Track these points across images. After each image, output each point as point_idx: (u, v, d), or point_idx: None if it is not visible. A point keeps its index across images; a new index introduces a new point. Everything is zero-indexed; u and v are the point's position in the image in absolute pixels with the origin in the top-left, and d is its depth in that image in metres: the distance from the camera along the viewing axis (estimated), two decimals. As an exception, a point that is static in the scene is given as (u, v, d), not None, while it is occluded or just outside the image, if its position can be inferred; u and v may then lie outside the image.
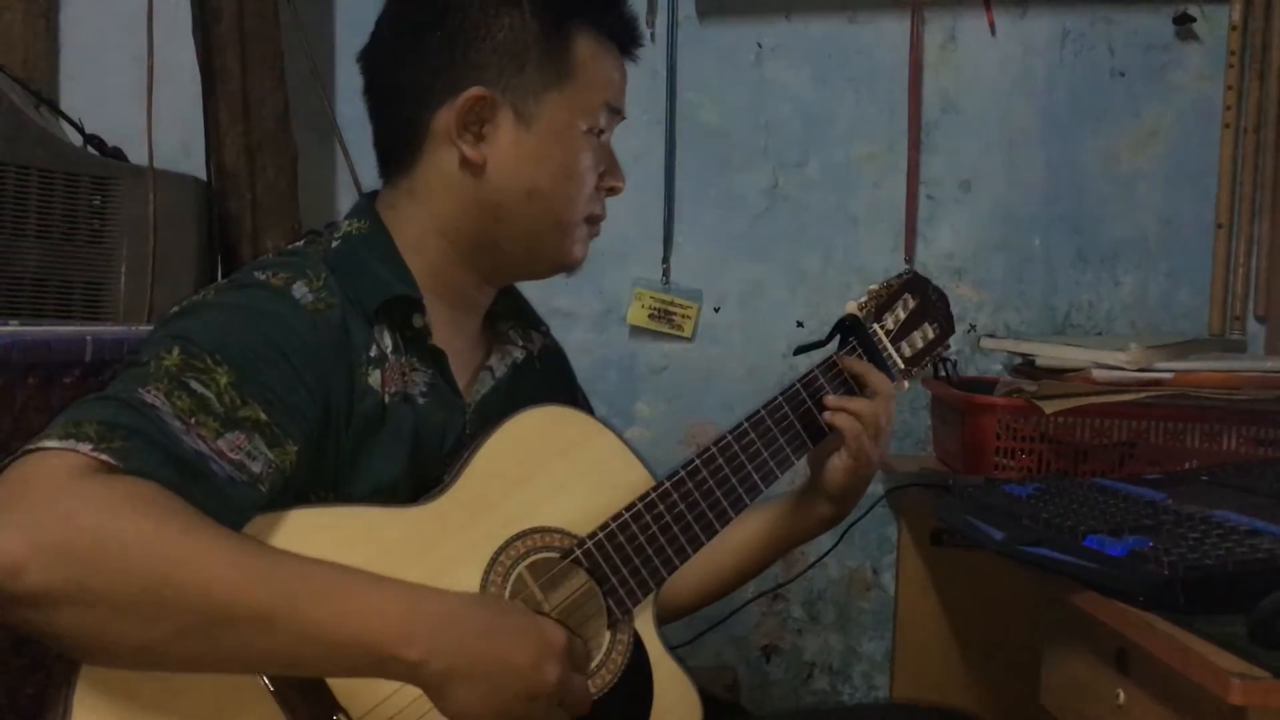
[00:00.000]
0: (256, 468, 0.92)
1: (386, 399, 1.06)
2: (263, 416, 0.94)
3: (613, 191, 1.19)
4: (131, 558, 0.80)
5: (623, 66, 1.18)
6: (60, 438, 0.84)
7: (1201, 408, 1.62)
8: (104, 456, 0.83)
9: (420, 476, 1.08)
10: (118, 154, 1.74)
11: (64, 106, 1.85)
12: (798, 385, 1.25)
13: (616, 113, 1.17)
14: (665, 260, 2.12)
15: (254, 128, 1.84)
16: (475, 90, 1.09)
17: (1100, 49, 2.08)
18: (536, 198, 1.12)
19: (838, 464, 1.24)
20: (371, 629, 0.88)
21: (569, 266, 1.19)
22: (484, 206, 1.11)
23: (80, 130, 1.75)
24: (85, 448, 0.83)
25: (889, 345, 1.32)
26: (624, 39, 1.17)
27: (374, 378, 1.06)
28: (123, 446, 0.84)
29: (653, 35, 2.09)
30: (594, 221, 1.18)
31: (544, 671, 0.95)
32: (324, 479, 1.02)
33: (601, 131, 1.15)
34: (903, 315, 1.33)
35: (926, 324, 1.35)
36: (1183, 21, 2.04)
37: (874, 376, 1.26)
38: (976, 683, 1.96)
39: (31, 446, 0.84)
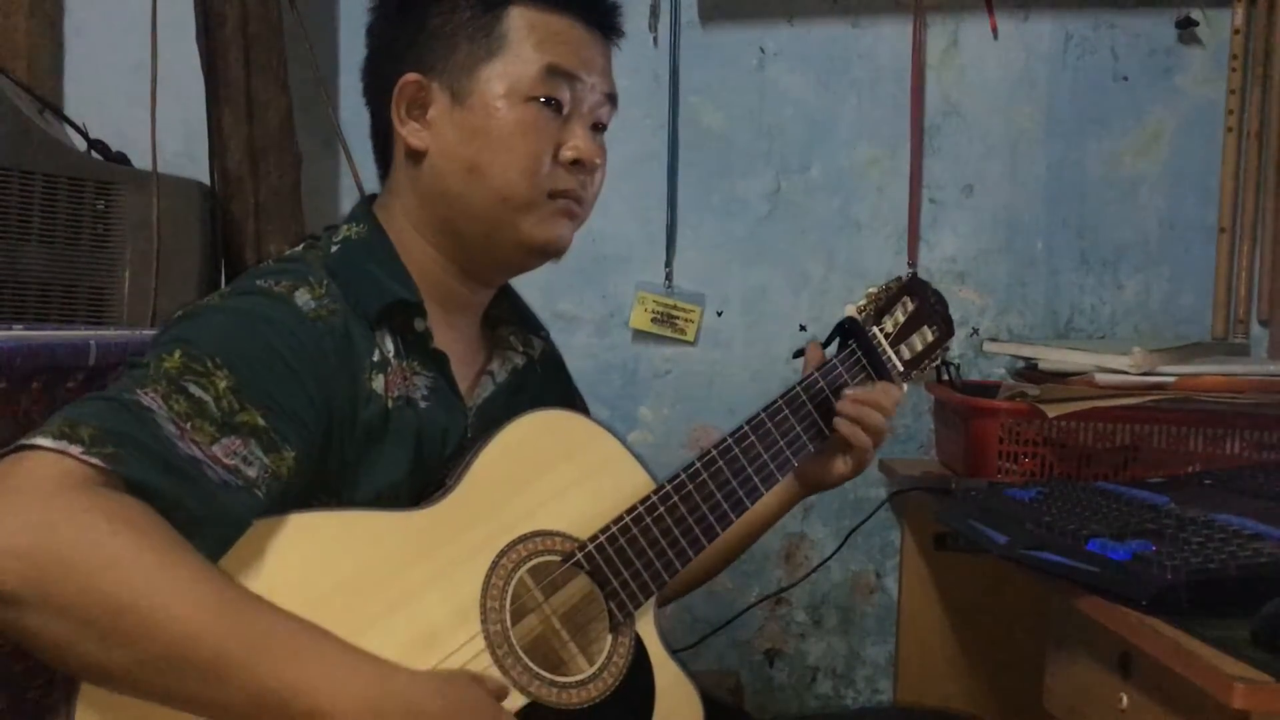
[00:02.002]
0: (252, 473, 0.92)
1: (390, 404, 1.06)
2: (260, 422, 0.94)
3: (577, 164, 1.11)
4: (101, 579, 0.79)
5: (576, 30, 1.11)
6: (55, 437, 0.84)
7: (1204, 412, 1.61)
8: (95, 461, 0.83)
9: (422, 480, 1.08)
10: (121, 158, 1.74)
11: (68, 111, 1.86)
12: (797, 388, 1.25)
13: (570, 76, 1.10)
14: (668, 264, 2.13)
15: (257, 132, 1.85)
16: (407, 76, 1.09)
17: (1103, 53, 2.08)
18: (477, 174, 1.09)
19: (840, 467, 1.28)
20: (331, 707, 0.85)
21: (537, 247, 1.12)
22: (435, 193, 1.11)
23: (84, 135, 1.75)
24: (76, 450, 0.83)
25: (888, 348, 1.32)
26: (568, 6, 1.11)
27: (378, 382, 1.06)
28: (115, 452, 0.84)
29: (655, 40, 2.10)
30: (558, 196, 1.11)
31: None
32: (327, 485, 1.02)
33: (552, 100, 1.09)
34: (902, 318, 1.34)
35: (926, 326, 1.35)
36: (1185, 25, 2.04)
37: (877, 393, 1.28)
38: (980, 686, 1.95)
39: (25, 442, 0.84)
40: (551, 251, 1.15)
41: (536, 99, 1.09)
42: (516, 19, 1.09)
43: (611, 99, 1.16)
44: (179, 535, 0.85)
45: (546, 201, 1.11)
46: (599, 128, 1.16)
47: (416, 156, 1.11)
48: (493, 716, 0.95)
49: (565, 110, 1.11)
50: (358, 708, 0.86)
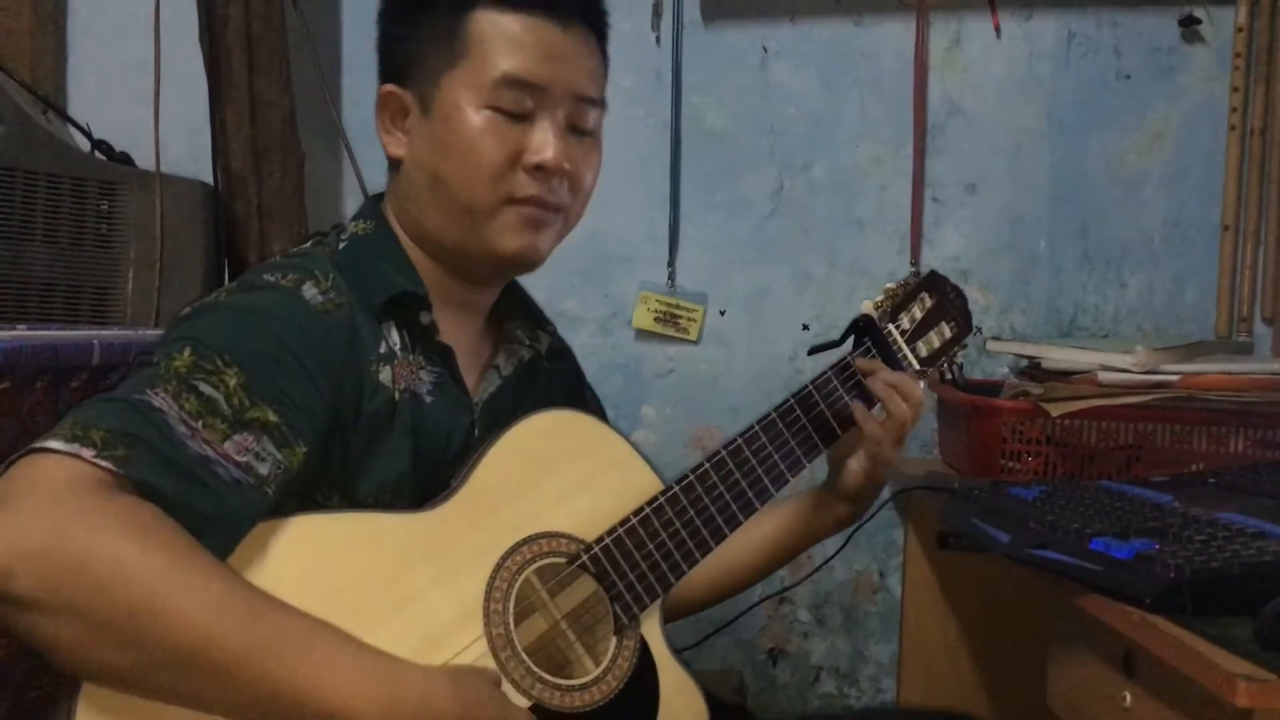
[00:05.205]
0: (264, 469, 0.92)
1: (397, 395, 1.07)
2: (272, 418, 0.94)
3: (540, 170, 1.08)
4: (113, 582, 0.80)
5: (543, 30, 1.08)
6: (66, 440, 0.84)
7: (1208, 410, 1.61)
8: (106, 464, 0.84)
9: (425, 475, 1.08)
10: (125, 159, 1.74)
11: (71, 112, 1.86)
12: (810, 387, 1.24)
13: (528, 84, 1.07)
14: (671, 264, 2.13)
15: (260, 132, 1.85)
16: (383, 88, 1.12)
17: (1106, 51, 2.08)
18: (440, 183, 1.09)
19: (855, 466, 1.25)
20: (345, 706, 0.86)
21: (504, 257, 1.10)
22: (409, 200, 1.13)
23: (88, 135, 1.76)
24: (88, 454, 0.83)
25: (904, 345, 1.30)
26: (531, 3, 1.08)
27: (385, 374, 1.06)
28: (125, 455, 0.85)
29: (658, 39, 2.10)
30: (521, 203, 1.09)
31: None
32: (329, 478, 1.02)
33: (508, 111, 1.07)
34: (919, 314, 1.32)
35: (944, 322, 1.33)
36: (1188, 23, 2.04)
37: (902, 386, 1.24)
38: (983, 686, 1.95)
39: (38, 445, 0.84)
40: (523, 262, 1.13)
41: (491, 108, 1.07)
42: (478, 24, 1.08)
43: (590, 101, 1.12)
44: (189, 536, 0.85)
45: (506, 209, 1.09)
46: (578, 130, 1.12)
47: (396, 165, 1.14)
48: (505, 713, 0.96)
49: (531, 115, 1.08)
50: (372, 708, 0.87)
